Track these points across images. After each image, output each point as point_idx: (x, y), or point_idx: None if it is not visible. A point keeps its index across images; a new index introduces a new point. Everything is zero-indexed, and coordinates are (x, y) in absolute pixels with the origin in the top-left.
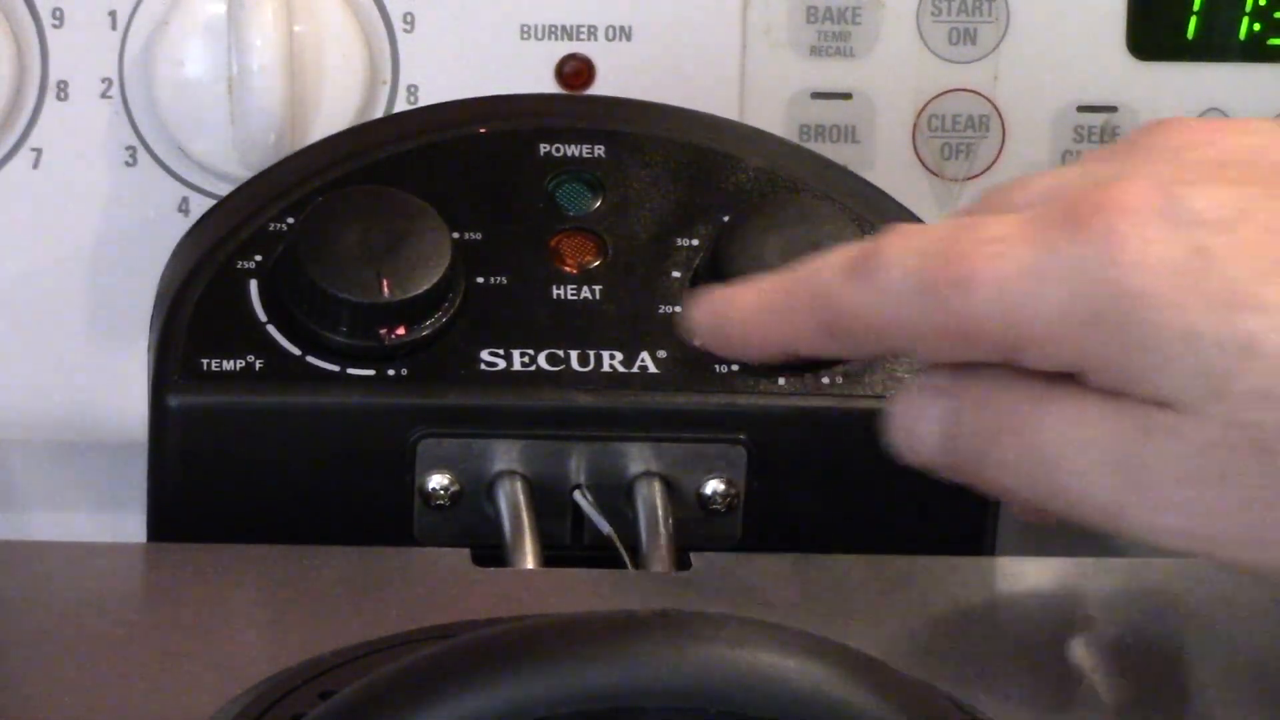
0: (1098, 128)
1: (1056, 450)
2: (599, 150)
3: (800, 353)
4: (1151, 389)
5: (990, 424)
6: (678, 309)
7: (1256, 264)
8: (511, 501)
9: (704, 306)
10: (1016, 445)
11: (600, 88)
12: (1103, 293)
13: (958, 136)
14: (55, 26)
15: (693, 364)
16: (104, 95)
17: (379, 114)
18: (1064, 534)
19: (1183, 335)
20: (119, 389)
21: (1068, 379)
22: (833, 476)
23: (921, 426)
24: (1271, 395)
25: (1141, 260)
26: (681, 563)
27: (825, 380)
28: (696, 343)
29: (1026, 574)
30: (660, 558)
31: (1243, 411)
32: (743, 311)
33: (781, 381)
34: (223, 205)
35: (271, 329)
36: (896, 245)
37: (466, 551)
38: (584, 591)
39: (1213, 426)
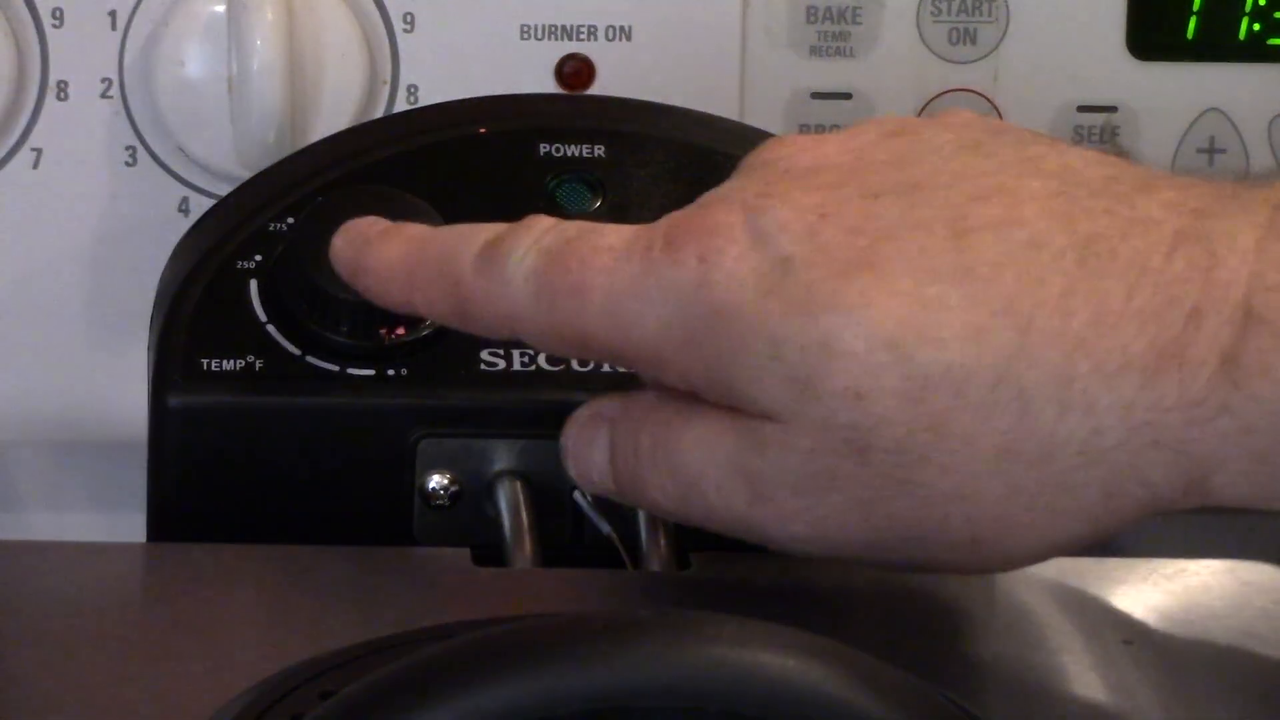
0: (1098, 128)
1: (697, 469)
2: (599, 150)
3: (436, 320)
4: (751, 402)
5: (643, 445)
6: None
7: (833, 265)
8: (511, 501)
9: (348, 238)
10: (664, 464)
11: (600, 88)
12: (694, 313)
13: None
14: (55, 26)
15: None
16: (104, 95)
17: (379, 114)
18: None
19: (768, 344)
20: (119, 389)
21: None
22: None
23: (590, 453)
24: (860, 394)
25: (726, 278)
26: (681, 562)
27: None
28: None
29: (1026, 575)
30: (660, 557)
31: (835, 414)
32: (379, 262)
33: None
34: (223, 205)
35: (271, 329)
36: (524, 240)
37: (467, 551)
38: (584, 591)
39: (811, 432)
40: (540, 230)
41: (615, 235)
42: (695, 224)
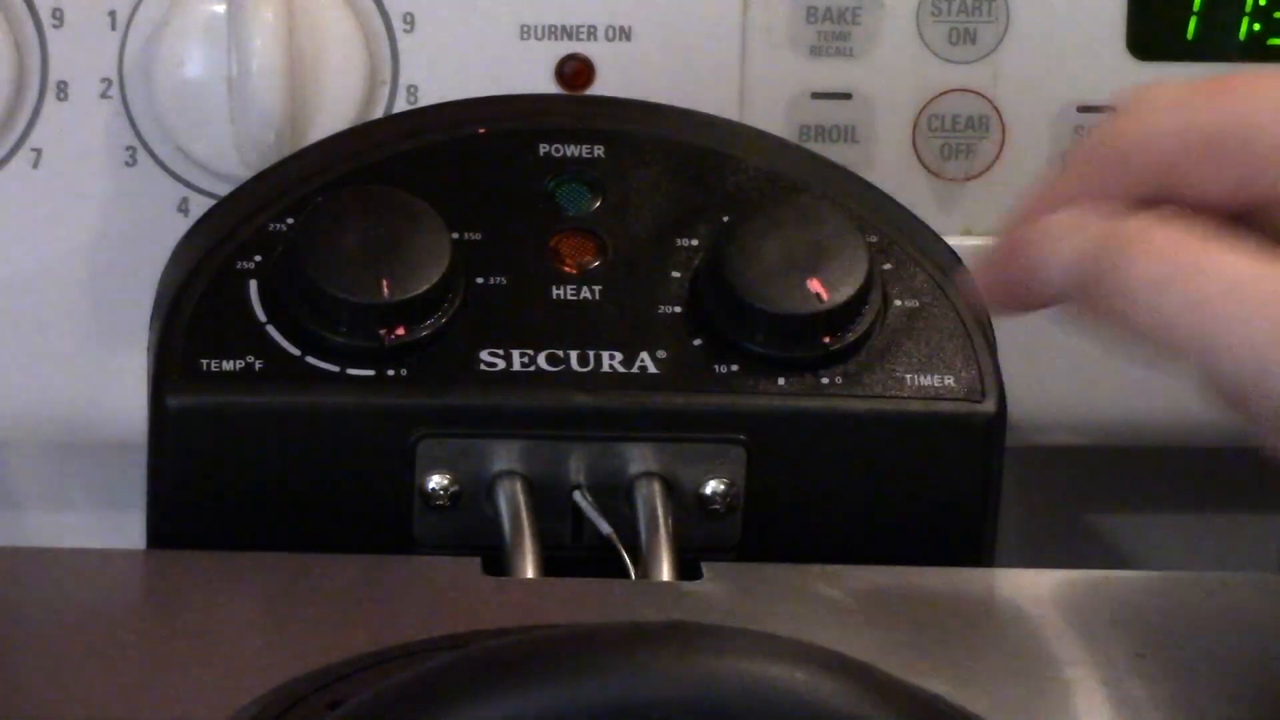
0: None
1: (1219, 289)
2: (598, 150)
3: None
4: None
5: (1146, 251)
6: (678, 309)
7: None
8: (511, 502)
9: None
10: (1162, 275)
11: (600, 88)
12: None
13: (958, 137)
14: (55, 26)
15: (693, 364)
16: (104, 95)
17: (379, 114)
18: (1064, 547)
19: None
20: (119, 389)
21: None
22: (832, 477)
23: (1058, 245)
24: None
25: None
26: (692, 572)
27: (825, 380)
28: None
29: (1037, 588)
30: (660, 558)
31: None
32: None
33: (781, 381)
34: (222, 205)
35: (271, 329)
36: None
37: (477, 561)
38: (596, 602)
39: None
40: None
41: None
42: None
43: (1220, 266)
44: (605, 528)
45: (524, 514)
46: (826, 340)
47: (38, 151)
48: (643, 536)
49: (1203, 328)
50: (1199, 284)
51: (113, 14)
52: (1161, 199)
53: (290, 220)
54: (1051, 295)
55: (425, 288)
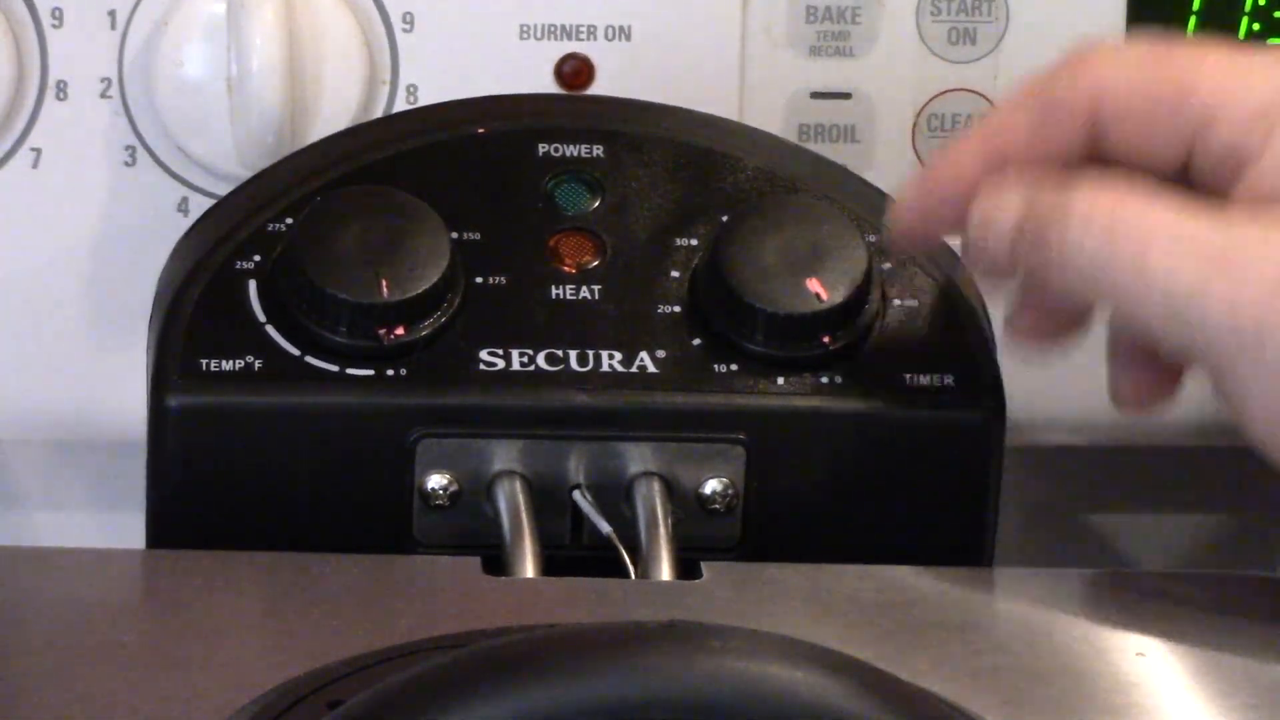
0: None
1: (1144, 232)
2: (598, 150)
3: None
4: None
5: (1077, 204)
6: (677, 309)
7: None
8: (511, 502)
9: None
10: (1098, 222)
11: (600, 88)
12: None
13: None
14: (55, 26)
15: (692, 364)
16: (104, 95)
17: (379, 114)
18: (1064, 547)
19: None
20: (119, 389)
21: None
22: (832, 476)
23: (1001, 214)
24: None
25: None
26: (692, 572)
27: (825, 380)
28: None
29: (1039, 587)
30: (659, 558)
31: None
32: None
33: (781, 381)
34: (221, 205)
35: (270, 329)
36: None
37: (477, 560)
38: (596, 601)
39: None
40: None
41: None
42: None
43: (1159, 217)
44: (605, 527)
45: (524, 514)
46: (826, 340)
47: (37, 151)
48: (642, 536)
49: (1143, 275)
50: (1139, 234)
51: (113, 14)
52: (1093, 154)
53: (290, 220)
54: (1001, 263)
55: (425, 288)
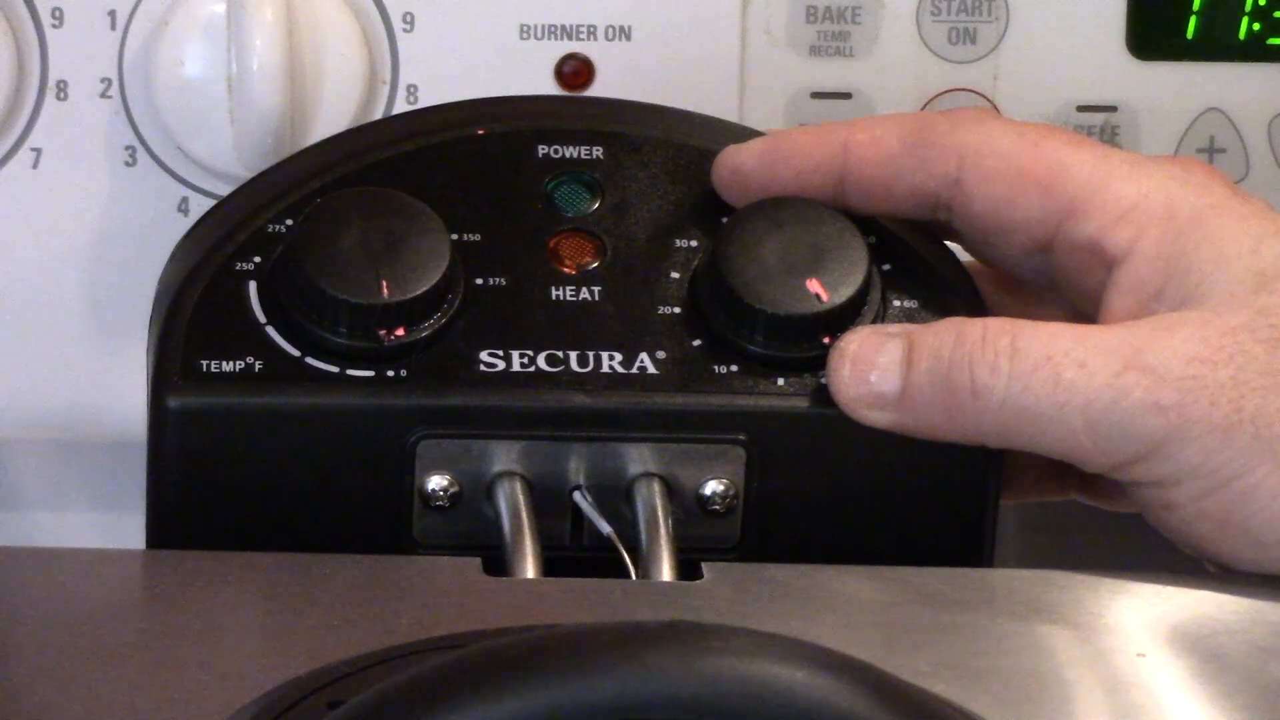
0: (1097, 127)
1: (1051, 349)
2: (597, 151)
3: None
4: (1202, 284)
5: (970, 335)
6: (677, 309)
7: None
8: (511, 503)
9: None
10: (1005, 347)
11: (600, 88)
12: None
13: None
14: (55, 26)
15: (692, 364)
16: (103, 95)
17: (379, 114)
18: (1064, 547)
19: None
20: (119, 389)
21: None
22: (832, 477)
23: (875, 356)
24: None
25: None
26: (692, 572)
27: (825, 381)
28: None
29: (1039, 588)
30: (660, 559)
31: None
32: None
33: (781, 382)
34: (221, 206)
35: (270, 330)
36: None
37: (477, 561)
38: (596, 602)
39: (1245, 313)
40: None
41: None
42: None
43: (1059, 333)
44: (605, 528)
45: (524, 514)
46: (826, 340)
47: (37, 151)
48: (642, 536)
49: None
50: (1044, 354)
51: (112, 14)
52: (945, 204)
53: (290, 221)
54: (888, 395)
55: (425, 288)
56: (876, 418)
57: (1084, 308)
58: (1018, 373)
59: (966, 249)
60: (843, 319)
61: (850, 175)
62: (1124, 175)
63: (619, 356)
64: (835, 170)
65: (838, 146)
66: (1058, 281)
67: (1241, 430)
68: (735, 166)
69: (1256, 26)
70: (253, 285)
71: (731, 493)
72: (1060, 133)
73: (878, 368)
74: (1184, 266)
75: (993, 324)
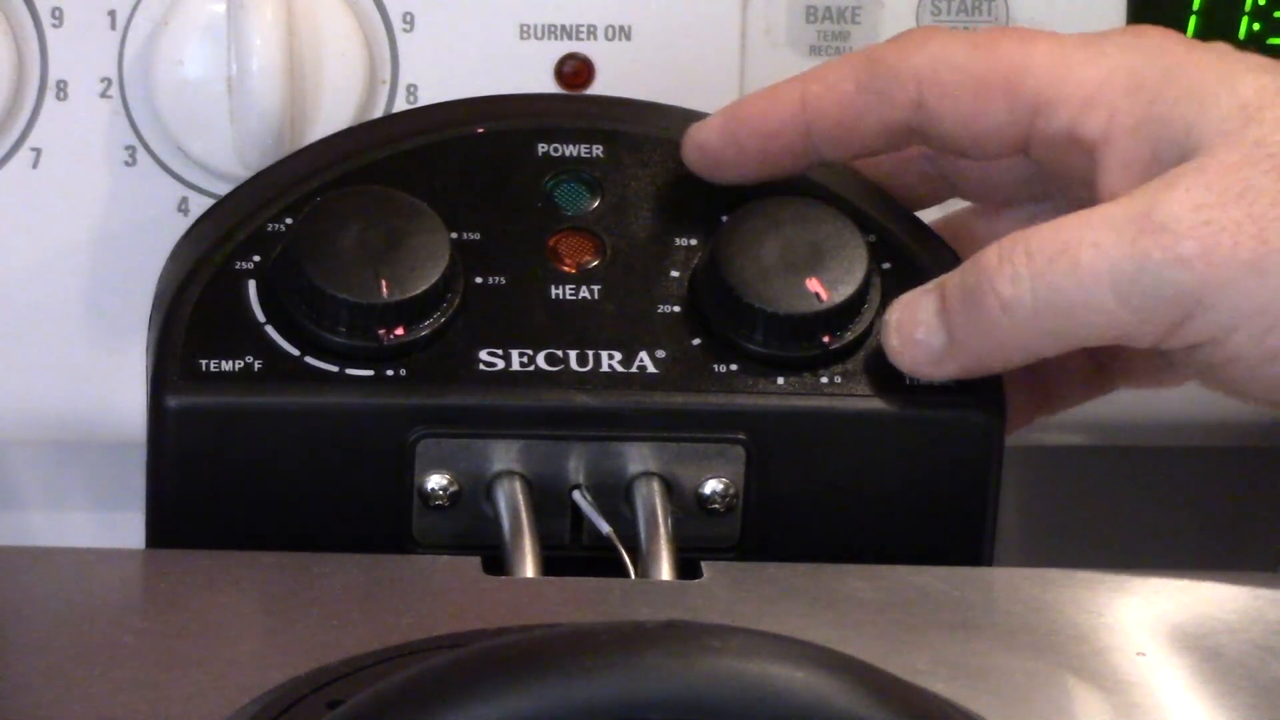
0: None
1: (1064, 239)
2: (597, 150)
3: None
4: (1188, 129)
5: (987, 258)
6: (676, 308)
7: None
8: (511, 502)
9: None
10: (1020, 252)
11: (600, 88)
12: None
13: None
14: (55, 26)
15: (692, 364)
16: (103, 95)
17: (379, 114)
18: (1064, 547)
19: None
20: (119, 389)
21: None
22: (831, 476)
23: (914, 313)
24: None
25: None
26: (692, 572)
27: (824, 380)
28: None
29: (1039, 586)
30: (659, 558)
31: (1274, 133)
32: None
33: (780, 381)
34: (221, 206)
35: (270, 330)
36: None
37: (477, 560)
38: (596, 601)
39: (1241, 148)
40: None
41: None
42: None
43: (1064, 224)
44: (605, 527)
45: (524, 514)
46: (825, 340)
47: (37, 151)
48: (642, 536)
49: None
50: (1060, 246)
51: (112, 14)
52: (914, 130)
53: (289, 220)
54: (936, 349)
55: (424, 288)
56: (942, 370)
57: (1085, 203)
58: (1037, 273)
59: (955, 182)
60: (842, 318)
61: (814, 127)
62: (1082, 59)
63: (619, 355)
64: (799, 127)
65: (795, 103)
66: (1049, 184)
67: (1273, 261)
68: (699, 143)
69: (1256, 26)
70: (252, 284)
71: (731, 492)
72: (1011, 32)
73: (921, 325)
74: (1167, 127)
75: (1005, 240)
